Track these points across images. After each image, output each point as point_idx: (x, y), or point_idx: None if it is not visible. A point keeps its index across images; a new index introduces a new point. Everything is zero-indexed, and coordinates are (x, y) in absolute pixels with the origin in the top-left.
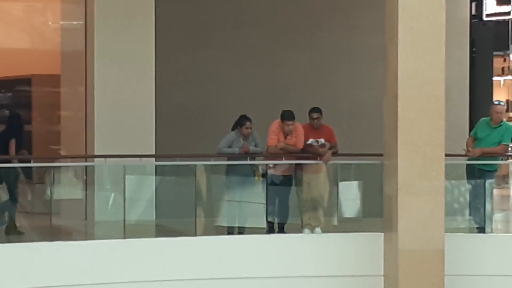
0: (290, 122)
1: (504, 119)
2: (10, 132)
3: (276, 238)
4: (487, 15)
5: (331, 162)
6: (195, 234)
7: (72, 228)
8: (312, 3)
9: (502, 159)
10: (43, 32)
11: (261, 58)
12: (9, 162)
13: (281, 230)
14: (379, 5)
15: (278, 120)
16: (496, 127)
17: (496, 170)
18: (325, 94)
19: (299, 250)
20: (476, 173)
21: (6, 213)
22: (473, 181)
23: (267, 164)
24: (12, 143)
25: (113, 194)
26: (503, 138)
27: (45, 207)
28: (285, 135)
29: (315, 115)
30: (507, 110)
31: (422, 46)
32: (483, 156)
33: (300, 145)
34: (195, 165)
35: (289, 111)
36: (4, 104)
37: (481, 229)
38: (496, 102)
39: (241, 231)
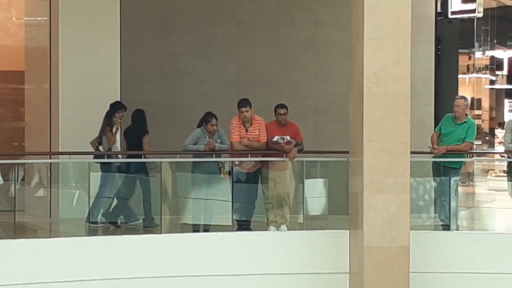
0: (244, 109)
1: (469, 116)
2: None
3: (241, 235)
4: (452, 13)
5: (296, 159)
6: (160, 232)
7: (37, 225)
8: None
9: (467, 156)
10: (7, 28)
11: (227, 54)
12: None
13: (247, 227)
14: (345, 2)
15: (237, 115)
16: (460, 124)
17: (461, 167)
18: (291, 91)
19: (265, 248)
20: (441, 171)
21: None
22: (438, 179)
23: (232, 162)
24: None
25: (78, 192)
26: (468, 135)
27: (9, 204)
28: (245, 125)
29: (281, 111)
30: (472, 108)
31: (387, 43)
32: (448, 153)
33: (264, 138)
34: (161, 162)
35: (244, 98)
36: None
37: (446, 227)
38: (458, 97)
39: (207, 228)
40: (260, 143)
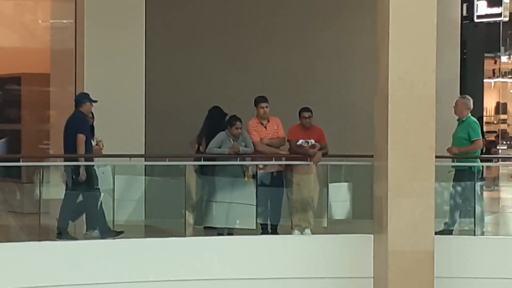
0: (264, 104)
1: (469, 114)
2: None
3: (265, 239)
4: (478, 17)
5: (321, 163)
6: (184, 235)
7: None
8: (303, 3)
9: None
10: (33, 30)
11: (251, 58)
12: None
13: (274, 231)
14: (371, 6)
15: (253, 117)
16: (460, 123)
17: (481, 170)
18: (316, 95)
19: (289, 252)
20: (465, 175)
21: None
22: (463, 183)
23: (257, 165)
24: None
25: (102, 194)
26: (471, 134)
27: (34, 206)
28: (262, 122)
29: (306, 114)
30: (497, 112)
31: (413, 47)
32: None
33: (282, 133)
34: (185, 165)
35: (261, 95)
36: None
37: (471, 231)
38: (458, 97)
39: (231, 232)
40: (279, 138)
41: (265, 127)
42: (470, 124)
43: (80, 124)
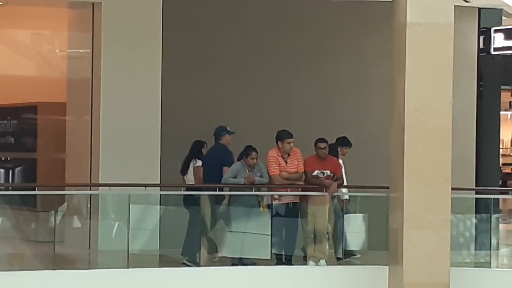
0: (290, 140)
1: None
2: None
3: (280, 269)
4: (495, 49)
5: (336, 194)
6: (199, 265)
7: (76, 256)
8: (320, 30)
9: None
10: (50, 60)
11: (268, 84)
12: None
13: (288, 261)
14: (389, 35)
15: (274, 148)
16: None
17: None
18: (332, 123)
19: (304, 282)
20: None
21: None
22: (478, 215)
23: (272, 196)
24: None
25: (117, 223)
26: None
27: (49, 235)
28: (285, 155)
29: (322, 145)
30: None
31: (429, 77)
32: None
33: (301, 168)
34: (200, 195)
35: (285, 130)
36: (9, 131)
37: (487, 264)
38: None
39: (246, 262)
40: (299, 174)
41: (286, 161)
42: None
43: (226, 157)
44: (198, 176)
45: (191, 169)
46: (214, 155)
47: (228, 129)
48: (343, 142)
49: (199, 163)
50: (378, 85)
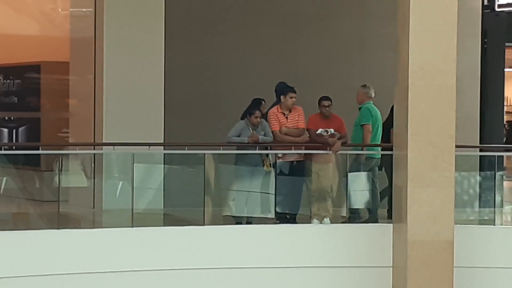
0: (294, 94)
1: (371, 102)
2: None
3: (284, 228)
4: (500, 6)
5: (340, 152)
6: (203, 223)
7: (80, 216)
8: None
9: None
10: (53, 18)
11: (272, 46)
12: None
13: (293, 220)
14: None
15: (274, 107)
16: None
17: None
18: (337, 84)
19: (307, 241)
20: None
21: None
22: (483, 173)
23: (276, 154)
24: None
25: (121, 182)
26: (361, 119)
27: (53, 194)
28: (286, 111)
29: (326, 103)
30: None
31: (433, 36)
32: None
33: (302, 124)
34: (204, 154)
35: (290, 86)
36: (12, 91)
37: (491, 221)
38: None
39: (250, 221)
40: (299, 129)
41: (286, 117)
42: (362, 111)
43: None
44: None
45: None
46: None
47: (288, 85)
48: None
49: None
50: (382, 46)
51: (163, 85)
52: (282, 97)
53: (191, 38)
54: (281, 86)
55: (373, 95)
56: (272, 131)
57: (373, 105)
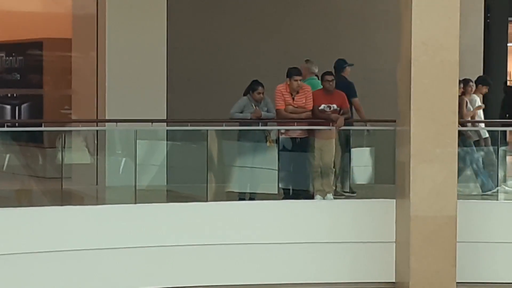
0: (298, 77)
1: (315, 77)
2: None
3: (287, 204)
4: None
5: (343, 128)
6: (206, 200)
7: (83, 192)
8: None
9: None
10: None
11: (273, 23)
12: None
13: (296, 196)
14: None
15: (283, 83)
16: None
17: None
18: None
19: (310, 216)
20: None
21: None
22: (485, 148)
23: (279, 130)
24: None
25: (124, 159)
26: None
27: (56, 171)
28: (293, 92)
29: (329, 78)
30: None
31: (436, 11)
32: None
33: (310, 106)
34: (207, 130)
35: (296, 67)
36: (15, 68)
37: (494, 196)
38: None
39: (253, 197)
40: (305, 111)
41: (293, 98)
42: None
43: (352, 88)
44: None
45: None
46: (341, 89)
47: (347, 61)
48: (483, 81)
49: None
50: (384, 22)
51: (166, 62)
52: (287, 79)
53: (194, 14)
54: (339, 63)
55: (315, 70)
56: (276, 109)
57: (316, 80)
